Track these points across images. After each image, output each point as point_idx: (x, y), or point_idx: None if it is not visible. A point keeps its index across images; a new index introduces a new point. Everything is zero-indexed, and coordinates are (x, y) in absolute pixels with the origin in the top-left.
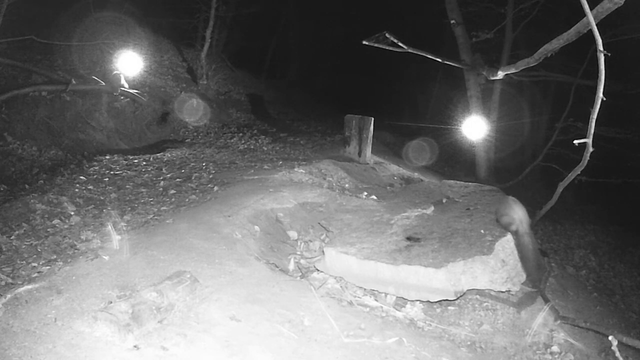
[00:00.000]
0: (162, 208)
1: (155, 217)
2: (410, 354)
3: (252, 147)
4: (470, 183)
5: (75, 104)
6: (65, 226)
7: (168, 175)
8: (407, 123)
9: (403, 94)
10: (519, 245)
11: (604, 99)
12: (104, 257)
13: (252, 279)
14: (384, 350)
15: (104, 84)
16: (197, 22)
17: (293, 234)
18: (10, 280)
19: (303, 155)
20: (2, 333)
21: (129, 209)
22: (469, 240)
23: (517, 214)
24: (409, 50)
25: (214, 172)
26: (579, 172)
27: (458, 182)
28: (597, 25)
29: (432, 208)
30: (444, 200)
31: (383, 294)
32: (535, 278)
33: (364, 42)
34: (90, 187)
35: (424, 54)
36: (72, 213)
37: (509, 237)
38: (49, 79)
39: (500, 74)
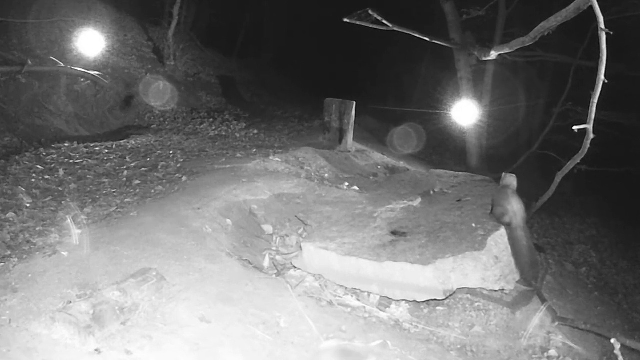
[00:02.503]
0: (126, 200)
1: (119, 210)
2: (396, 358)
3: (223, 133)
4: (460, 173)
5: (32, 87)
6: (21, 219)
7: (132, 165)
8: (392, 108)
9: (388, 77)
10: (511, 239)
11: (606, 81)
12: (63, 253)
13: (224, 276)
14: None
15: (62, 65)
16: None
17: (268, 228)
18: None
19: (279, 142)
20: None
21: (90, 200)
22: (460, 234)
23: (512, 205)
24: (394, 29)
25: (182, 160)
26: (579, 161)
27: (447, 171)
28: (598, 1)
29: (420, 200)
30: (432, 192)
31: (366, 293)
32: (528, 275)
33: (345, 20)
34: (48, 177)
35: (410, 33)
36: (28, 205)
37: (503, 231)
38: (2, 59)
39: (493, 54)
